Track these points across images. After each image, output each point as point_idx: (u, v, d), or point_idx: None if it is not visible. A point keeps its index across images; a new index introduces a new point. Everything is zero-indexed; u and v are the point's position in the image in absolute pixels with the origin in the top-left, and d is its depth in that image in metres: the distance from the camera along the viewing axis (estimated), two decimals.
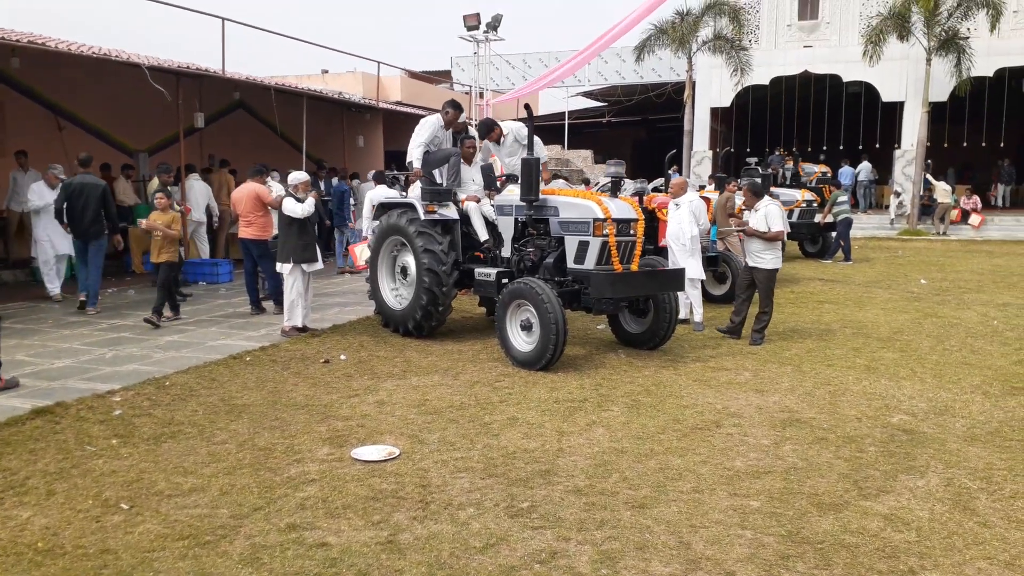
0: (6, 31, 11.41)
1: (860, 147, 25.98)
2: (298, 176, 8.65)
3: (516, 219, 8.12)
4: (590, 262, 7.37)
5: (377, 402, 6.20)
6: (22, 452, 4.99)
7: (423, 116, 21.17)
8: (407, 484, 4.54)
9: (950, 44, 21.98)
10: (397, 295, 8.81)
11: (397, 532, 3.93)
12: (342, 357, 7.68)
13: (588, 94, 31.67)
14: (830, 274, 14.51)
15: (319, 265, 8.69)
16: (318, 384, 6.74)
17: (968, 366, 7.38)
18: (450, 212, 8.39)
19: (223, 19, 13.13)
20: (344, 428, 5.56)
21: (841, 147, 26.53)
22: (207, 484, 4.54)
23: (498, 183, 8.54)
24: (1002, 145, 24.64)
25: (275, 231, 9.41)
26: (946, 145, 24.71)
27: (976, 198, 23.19)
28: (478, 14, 20.22)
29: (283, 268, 8.47)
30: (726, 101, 26.55)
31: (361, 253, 11.39)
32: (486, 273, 8.05)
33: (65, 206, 9.54)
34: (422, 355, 7.83)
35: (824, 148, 26.07)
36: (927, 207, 23.17)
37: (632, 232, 7.53)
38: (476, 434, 5.41)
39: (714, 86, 26.32)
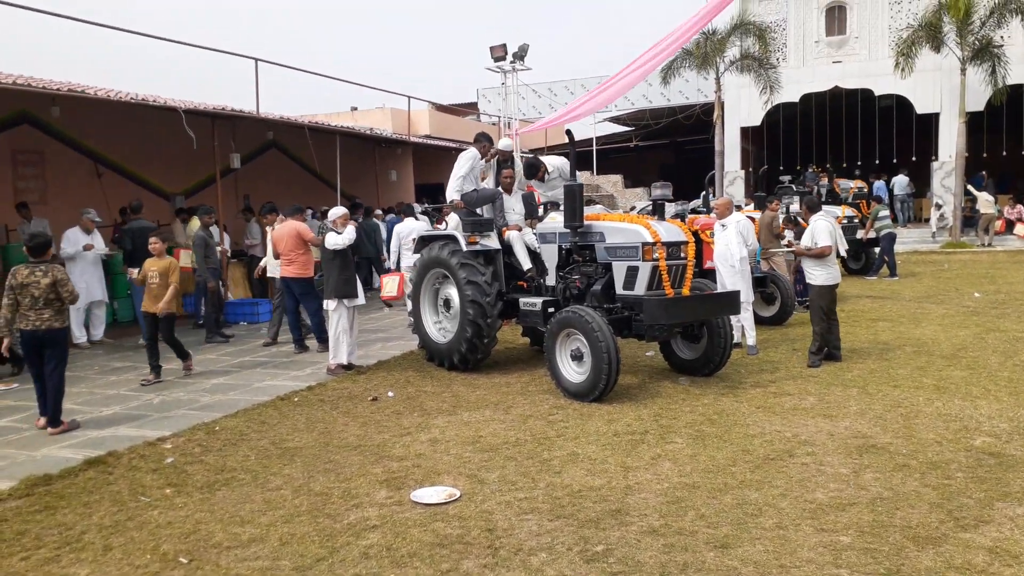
0: (46, 81, 11.58)
1: (895, 160, 25.55)
2: (337, 211, 8.61)
3: (560, 246, 7.96)
4: (640, 288, 7.17)
5: (430, 440, 6.02)
6: (76, 505, 4.87)
7: (452, 148, 21.29)
8: (472, 528, 4.34)
9: (984, 53, 21.58)
10: (441, 328, 8.67)
11: None
12: (390, 394, 7.53)
13: (615, 119, 31.63)
14: (878, 291, 14.11)
15: (360, 300, 8.58)
16: (368, 423, 6.58)
17: None
18: (492, 242, 8.26)
19: (256, 59, 13.26)
20: (400, 469, 5.38)
21: (877, 161, 26.11)
22: (266, 534, 4.38)
23: (539, 211, 8.40)
24: None
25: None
26: (984, 155, 24.21)
27: (1020, 207, 22.57)
28: (504, 45, 20.23)
29: (329, 304, 8.37)
30: (756, 120, 26.32)
31: (387, 284, 11.43)
32: (531, 303, 7.88)
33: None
34: (470, 389, 7.65)
35: (859, 163, 25.68)
36: (969, 218, 22.63)
37: (683, 255, 7.33)
38: (537, 472, 5.20)
39: (743, 105, 26.12)
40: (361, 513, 4.63)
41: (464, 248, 8.10)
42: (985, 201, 21.58)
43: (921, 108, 24.46)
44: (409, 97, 19.85)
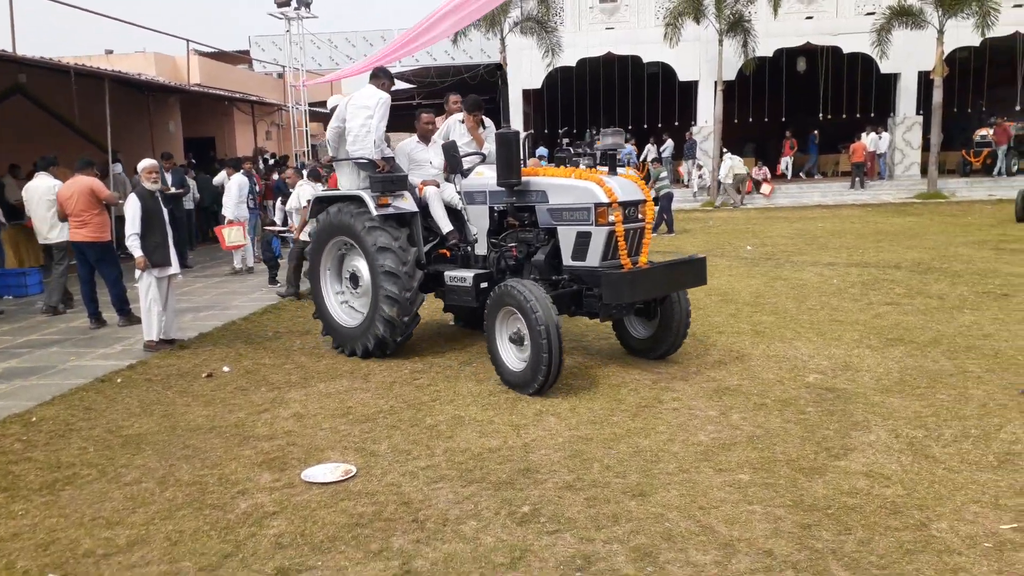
0: None
1: (659, 124, 27.56)
2: (145, 162, 7.61)
3: (491, 208, 6.76)
4: (594, 257, 6.03)
5: (294, 415, 5.61)
6: None
7: (224, 97, 19.69)
8: (386, 503, 4.11)
9: (737, 26, 23.83)
10: (346, 307, 7.41)
11: (409, 559, 3.52)
12: (225, 369, 6.90)
13: (399, 75, 31.00)
14: (662, 246, 15.19)
15: (173, 269, 7.63)
16: (213, 402, 5.99)
17: (839, 323, 7.99)
18: (407, 204, 6.95)
19: None
20: (274, 448, 4.96)
21: (645, 126, 28.00)
22: (147, 534, 3.85)
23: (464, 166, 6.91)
24: (783, 120, 27.15)
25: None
26: (736, 121, 26.84)
27: (766, 169, 25.41)
28: None
29: (135, 274, 7.40)
30: (537, 83, 27.06)
31: (228, 235, 10.88)
32: (460, 277, 6.67)
33: None
34: (314, 359, 7.22)
35: (630, 127, 27.38)
36: None
37: (640, 217, 6.21)
38: (428, 439, 5.04)
39: (524, 67, 26.72)
40: (252, 500, 4.21)
41: (374, 211, 6.74)
42: (738, 163, 24.00)
43: (683, 76, 26.51)
44: (188, 40, 18.03)
